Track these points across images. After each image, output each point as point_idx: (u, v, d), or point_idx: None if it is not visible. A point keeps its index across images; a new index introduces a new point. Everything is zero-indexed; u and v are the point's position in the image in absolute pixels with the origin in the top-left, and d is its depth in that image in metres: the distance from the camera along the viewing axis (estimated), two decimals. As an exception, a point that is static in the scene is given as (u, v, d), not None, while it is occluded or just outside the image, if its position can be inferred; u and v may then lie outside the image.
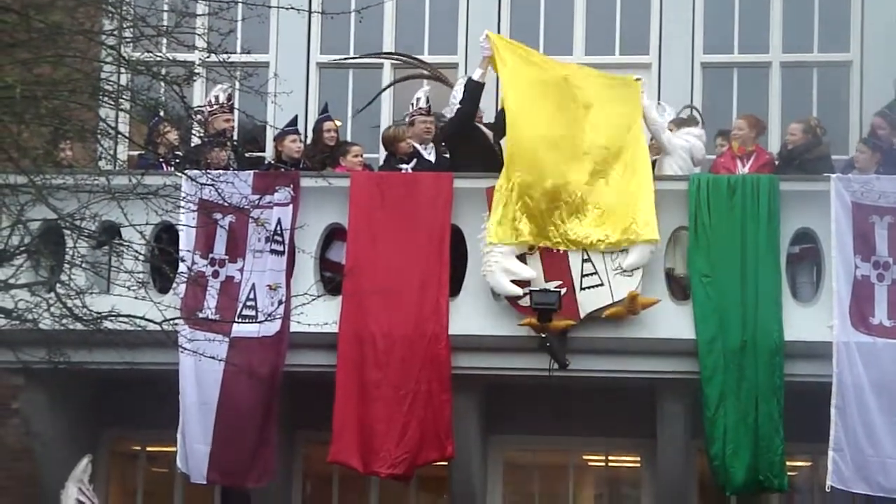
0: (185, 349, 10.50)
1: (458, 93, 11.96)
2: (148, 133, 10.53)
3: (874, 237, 11.00)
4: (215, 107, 12.06)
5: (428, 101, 12.27)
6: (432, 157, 12.14)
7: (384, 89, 13.43)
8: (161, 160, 10.92)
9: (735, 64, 13.62)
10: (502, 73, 11.61)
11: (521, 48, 11.75)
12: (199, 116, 10.19)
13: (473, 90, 11.74)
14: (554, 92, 11.42)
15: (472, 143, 11.78)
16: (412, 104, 12.24)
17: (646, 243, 11.00)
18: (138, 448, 12.98)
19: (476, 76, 11.78)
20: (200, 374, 11.16)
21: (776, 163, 12.03)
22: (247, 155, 12.58)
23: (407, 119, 12.22)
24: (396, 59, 13.50)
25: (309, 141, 12.58)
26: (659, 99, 13.17)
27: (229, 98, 12.09)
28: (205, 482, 11.36)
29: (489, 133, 12.04)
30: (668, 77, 13.45)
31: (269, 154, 13.01)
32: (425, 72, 13.15)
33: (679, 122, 12.20)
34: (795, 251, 11.40)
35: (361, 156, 12.16)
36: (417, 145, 12.05)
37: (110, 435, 12.69)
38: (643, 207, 11.05)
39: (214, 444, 11.20)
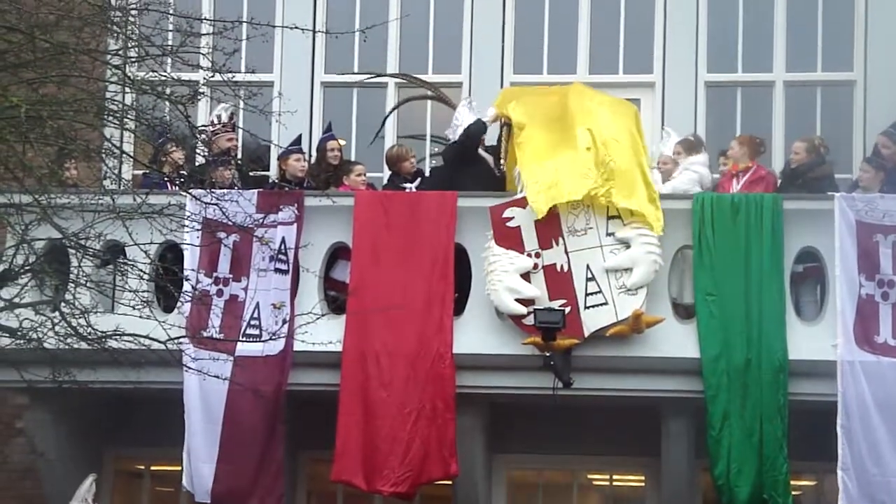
0: (190, 368, 10.52)
1: (460, 116, 12.02)
2: (154, 152, 10.55)
3: (878, 256, 11.00)
4: (217, 126, 12.07)
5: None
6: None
7: (391, 111, 13.45)
8: (166, 179, 10.95)
9: (739, 83, 13.63)
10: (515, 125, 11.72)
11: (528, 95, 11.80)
12: (203, 136, 10.20)
13: (479, 131, 11.87)
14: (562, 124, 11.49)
15: (472, 169, 11.82)
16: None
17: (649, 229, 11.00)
18: (142, 467, 12.98)
19: (486, 119, 11.91)
20: (205, 394, 11.17)
21: (778, 180, 12.03)
22: (251, 174, 12.59)
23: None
24: (399, 80, 13.53)
25: (313, 160, 12.60)
26: (662, 117, 13.21)
27: (231, 117, 12.10)
28: (209, 502, 11.34)
29: (489, 158, 12.08)
30: (671, 96, 13.45)
31: (273, 173, 13.02)
32: (429, 92, 13.19)
33: (686, 146, 12.19)
34: (799, 270, 11.40)
35: (364, 175, 12.18)
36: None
37: (115, 454, 12.69)
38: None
39: (219, 463, 11.20)
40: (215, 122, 12.11)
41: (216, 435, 11.22)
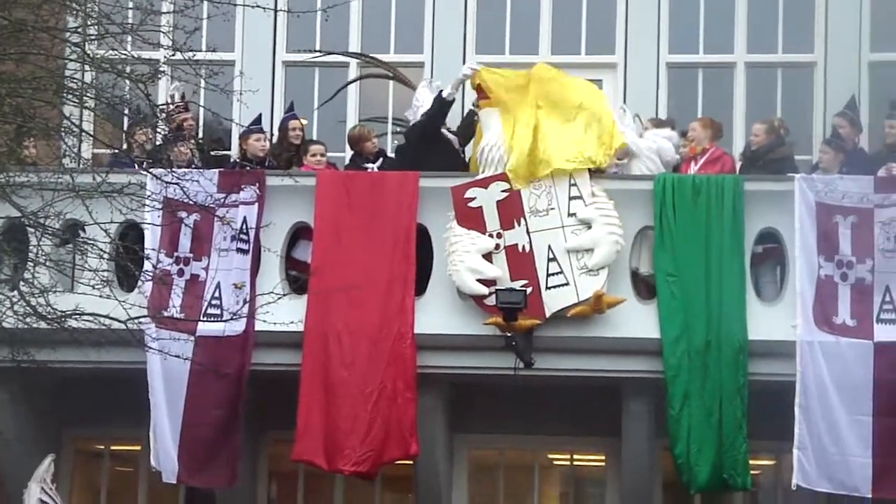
0: (151, 348, 10.47)
1: (420, 97, 12.02)
2: (126, 133, 10.47)
3: (838, 237, 11.06)
4: (171, 106, 11.97)
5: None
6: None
7: (346, 84, 13.43)
8: (133, 160, 10.89)
9: (700, 64, 13.67)
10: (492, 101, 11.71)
11: (503, 76, 11.79)
12: (163, 114, 10.13)
13: (443, 107, 11.82)
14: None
15: (436, 150, 11.81)
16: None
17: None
18: (102, 447, 12.92)
19: (446, 94, 11.83)
20: (168, 373, 11.14)
21: (737, 162, 12.07)
22: (212, 153, 12.52)
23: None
24: (359, 59, 13.48)
25: (274, 140, 12.55)
26: (624, 98, 13.22)
27: (183, 97, 12.01)
28: (175, 482, 11.31)
29: (454, 139, 12.07)
30: (633, 77, 13.48)
31: (234, 153, 12.96)
32: (387, 72, 13.16)
33: (656, 123, 12.20)
34: (759, 251, 11.45)
35: (323, 155, 12.13)
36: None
37: (74, 434, 12.63)
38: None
39: (182, 443, 11.18)
40: (170, 101, 12.01)
41: (179, 415, 11.19)
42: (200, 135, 12.65)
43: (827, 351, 10.93)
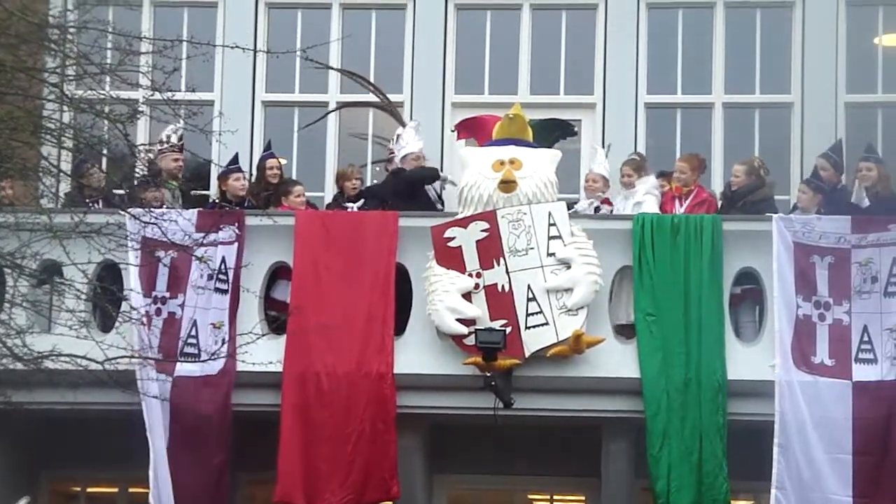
0: (146, 394, 10.39)
1: (406, 139, 12.07)
2: (74, 172, 10.45)
3: (815, 277, 11.09)
4: (165, 146, 11.99)
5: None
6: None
7: (328, 112, 13.43)
8: (87, 200, 10.86)
9: (678, 105, 13.74)
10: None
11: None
12: (143, 155, 10.13)
13: (433, 179, 12.14)
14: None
15: (416, 200, 11.89)
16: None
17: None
18: (78, 489, 12.83)
19: (447, 177, 12.25)
20: (158, 414, 11.03)
21: (719, 203, 12.12)
22: (192, 192, 12.51)
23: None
24: (356, 80, 13.44)
25: (253, 179, 12.55)
26: (604, 139, 13.27)
27: (180, 139, 12.02)
28: None
29: (433, 192, 12.09)
30: (612, 117, 13.53)
31: (213, 192, 12.95)
32: (376, 98, 13.15)
33: (635, 166, 12.20)
34: (737, 291, 11.47)
35: (303, 195, 12.13)
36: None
37: (51, 475, 12.53)
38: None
39: (175, 485, 11.06)
40: (164, 140, 12.02)
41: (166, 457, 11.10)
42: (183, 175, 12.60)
43: (806, 391, 10.94)
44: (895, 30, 13.65)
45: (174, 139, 12.06)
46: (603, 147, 12.66)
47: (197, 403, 11.06)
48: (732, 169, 12.15)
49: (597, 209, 12.08)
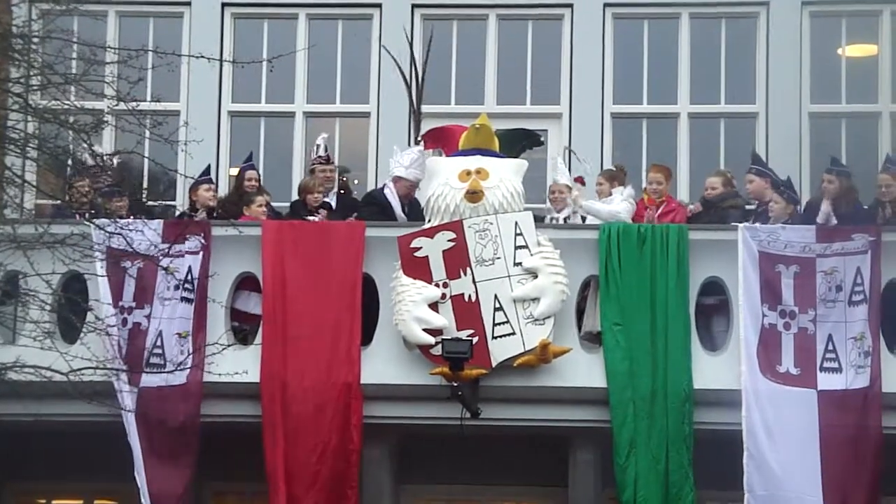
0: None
1: (406, 158, 12.01)
2: (66, 185, 10.41)
3: (780, 286, 11.14)
4: (315, 158, 12.29)
5: (327, 150, 12.28)
6: (334, 202, 12.18)
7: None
8: (76, 212, 10.82)
9: (644, 114, 13.79)
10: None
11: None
12: (109, 163, 10.10)
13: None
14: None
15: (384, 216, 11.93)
16: (312, 150, 12.27)
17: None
18: (43, 501, 12.73)
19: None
20: (132, 424, 10.99)
21: (690, 210, 12.12)
22: (148, 203, 12.44)
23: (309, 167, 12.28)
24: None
25: (230, 189, 12.52)
26: (570, 147, 13.28)
27: (326, 149, 12.16)
28: None
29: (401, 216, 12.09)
30: (578, 126, 13.58)
31: (180, 202, 12.91)
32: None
33: (609, 176, 12.20)
34: (713, 302, 11.49)
35: (266, 205, 12.09)
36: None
37: (15, 488, 12.43)
38: None
39: (151, 493, 11.02)
40: (313, 153, 12.20)
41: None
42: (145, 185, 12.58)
43: (772, 399, 10.98)
44: (859, 40, 13.77)
45: (322, 150, 12.29)
46: (564, 152, 12.64)
47: (163, 414, 11.01)
48: (708, 181, 12.13)
49: (566, 219, 12.09)
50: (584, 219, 12.05)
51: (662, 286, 11.24)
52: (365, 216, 11.93)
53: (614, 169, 12.43)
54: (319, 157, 12.34)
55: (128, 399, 10.78)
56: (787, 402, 10.97)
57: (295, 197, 12.75)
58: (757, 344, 11.06)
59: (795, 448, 10.88)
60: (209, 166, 12.37)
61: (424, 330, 11.14)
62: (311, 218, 11.94)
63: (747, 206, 12.10)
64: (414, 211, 12.00)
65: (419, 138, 12.64)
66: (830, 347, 11.04)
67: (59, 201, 10.71)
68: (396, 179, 12.12)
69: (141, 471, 10.98)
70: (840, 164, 12.04)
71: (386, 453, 11.50)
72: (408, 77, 12.95)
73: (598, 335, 11.41)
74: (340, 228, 11.57)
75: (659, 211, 11.99)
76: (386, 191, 12.15)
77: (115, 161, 11.50)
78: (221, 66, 12.64)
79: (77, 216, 10.95)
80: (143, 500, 11.00)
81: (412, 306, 11.15)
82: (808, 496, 10.81)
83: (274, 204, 12.43)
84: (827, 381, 10.97)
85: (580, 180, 12.14)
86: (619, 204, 11.85)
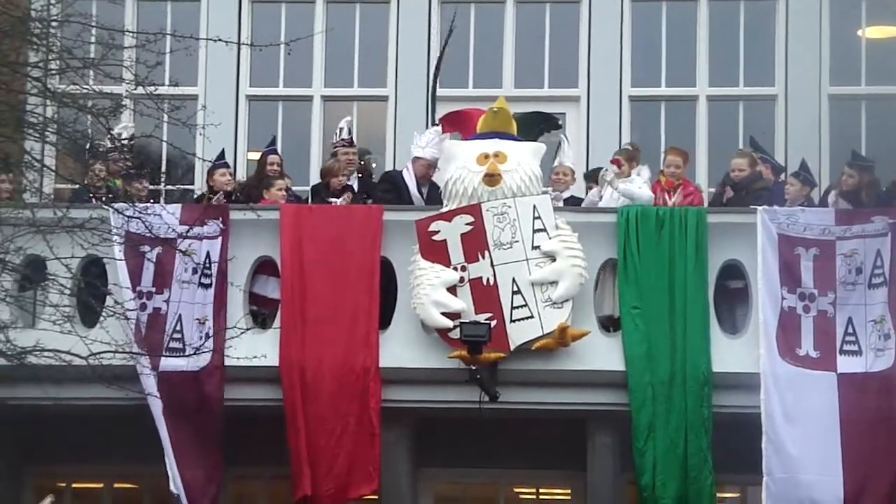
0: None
1: (426, 139, 12.00)
2: (86, 168, 10.43)
3: (800, 269, 11.11)
4: (337, 141, 12.24)
5: (350, 133, 12.29)
6: (355, 185, 12.18)
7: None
8: (91, 196, 10.84)
9: (662, 97, 13.75)
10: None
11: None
12: (125, 147, 10.11)
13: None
14: None
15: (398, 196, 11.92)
16: (335, 134, 12.28)
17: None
18: (63, 485, 12.78)
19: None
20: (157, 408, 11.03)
21: (727, 193, 12.01)
22: (169, 188, 12.47)
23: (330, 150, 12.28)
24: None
25: (248, 172, 12.52)
26: (588, 132, 13.28)
27: (130, 138, 11.99)
28: None
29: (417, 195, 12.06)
30: (596, 110, 13.54)
31: (198, 186, 12.92)
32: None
33: (628, 155, 12.11)
34: (741, 286, 11.44)
35: (286, 189, 12.08)
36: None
37: (35, 471, 12.48)
38: None
39: (184, 480, 11.06)
40: (336, 136, 12.18)
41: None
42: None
43: (791, 382, 10.96)
44: (879, 21, 13.68)
45: (345, 133, 12.23)
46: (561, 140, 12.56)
47: (185, 398, 11.04)
48: (732, 163, 12.07)
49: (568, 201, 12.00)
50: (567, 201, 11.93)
51: (681, 269, 11.22)
52: (378, 195, 11.92)
53: (630, 148, 12.36)
54: (342, 140, 12.33)
55: (150, 382, 10.80)
56: (806, 386, 10.95)
57: (313, 180, 12.77)
58: (776, 327, 11.04)
59: (815, 431, 10.87)
60: (223, 151, 12.36)
61: (443, 313, 11.13)
62: (333, 201, 11.93)
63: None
64: (433, 194, 11.99)
65: (437, 122, 12.62)
66: (850, 330, 11.01)
67: (77, 185, 10.73)
68: (415, 160, 12.10)
69: (170, 455, 11.01)
70: (861, 157, 11.98)
71: (404, 437, 11.51)
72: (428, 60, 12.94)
73: (611, 318, 11.39)
74: (358, 212, 11.57)
75: (676, 195, 11.94)
76: (404, 172, 12.14)
77: (131, 141, 11.57)
78: (239, 49, 12.68)
79: (94, 200, 10.98)
80: (172, 486, 11.03)
81: (430, 290, 11.15)
82: (828, 479, 10.80)
83: (294, 188, 12.41)
84: (847, 364, 10.94)
85: (617, 162, 12.00)
86: (646, 188, 11.76)
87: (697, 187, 12.33)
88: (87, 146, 9.71)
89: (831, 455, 10.80)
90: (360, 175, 12.50)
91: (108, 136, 9.31)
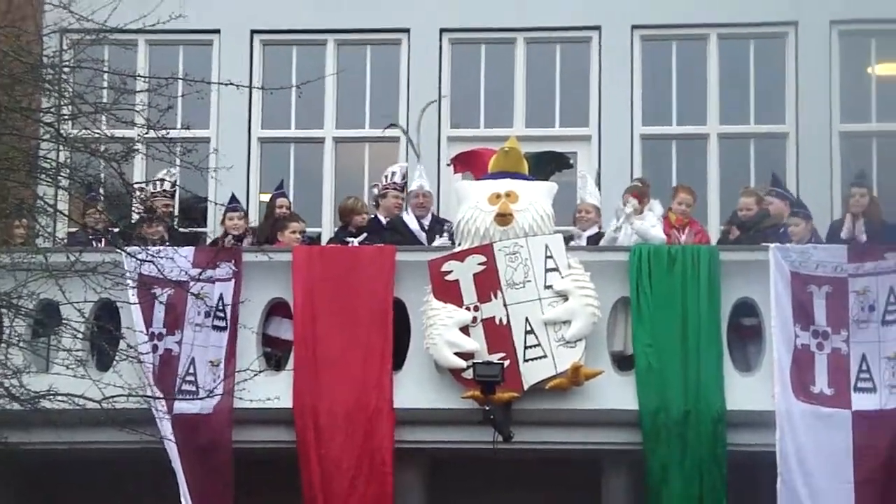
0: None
1: (396, 175, 12.07)
2: (83, 208, 10.46)
3: (812, 307, 11.08)
4: (157, 190, 12.02)
5: (404, 178, 12.30)
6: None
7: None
8: (91, 237, 10.87)
9: (674, 136, 13.77)
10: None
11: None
12: (139, 193, 10.15)
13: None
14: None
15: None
16: (386, 177, 12.29)
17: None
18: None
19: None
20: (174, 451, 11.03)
21: (734, 232, 12.02)
22: (181, 230, 12.49)
23: (378, 191, 12.28)
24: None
25: (259, 216, 12.55)
26: (599, 171, 13.29)
27: (173, 185, 12.05)
28: None
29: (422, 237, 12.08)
30: (607, 148, 13.57)
31: (210, 229, 12.96)
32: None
33: (641, 192, 12.10)
34: (754, 323, 11.42)
35: (301, 232, 12.12)
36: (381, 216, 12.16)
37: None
38: None
39: None
40: (157, 185, 12.05)
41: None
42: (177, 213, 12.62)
43: (805, 420, 10.92)
44: (888, 59, 13.71)
45: (167, 185, 12.08)
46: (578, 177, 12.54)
47: (200, 442, 11.03)
48: (740, 202, 12.09)
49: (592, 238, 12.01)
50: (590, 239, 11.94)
51: (694, 307, 11.20)
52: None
53: (640, 185, 12.36)
54: (395, 183, 12.30)
55: (166, 426, 10.81)
56: (820, 423, 10.91)
57: (325, 222, 12.80)
58: (790, 364, 11.01)
59: (829, 470, 10.81)
60: (234, 195, 12.41)
61: (456, 354, 11.13)
62: (350, 240, 11.94)
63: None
64: (435, 226, 11.99)
65: (448, 162, 12.67)
66: (864, 367, 10.97)
67: (75, 229, 10.75)
68: (408, 199, 12.12)
69: (187, 498, 10.99)
70: (864, 176, 11.99)
71: (418, 478, 11.48)
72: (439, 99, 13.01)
73: (622, 356, 11.36)
74: (370, 253, 11.58)
75: (686, 232, 11.95)
76: (403, 215, 12.18)
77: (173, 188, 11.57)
78: (251, 92, 12.73)
79: (94, 242, 10.99)
80: None
81: (443, 330, 11.15)
82: None
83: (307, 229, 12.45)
84: (861, 402, 10.90)
85: (636, 196, 11.99)
86: (659, 227, 11.76)
87: (702, 228, 12.32)
88: (101, 191, 9.73)
89: (845, 497, 10.73)
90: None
91: (121, 181, 9.33)
